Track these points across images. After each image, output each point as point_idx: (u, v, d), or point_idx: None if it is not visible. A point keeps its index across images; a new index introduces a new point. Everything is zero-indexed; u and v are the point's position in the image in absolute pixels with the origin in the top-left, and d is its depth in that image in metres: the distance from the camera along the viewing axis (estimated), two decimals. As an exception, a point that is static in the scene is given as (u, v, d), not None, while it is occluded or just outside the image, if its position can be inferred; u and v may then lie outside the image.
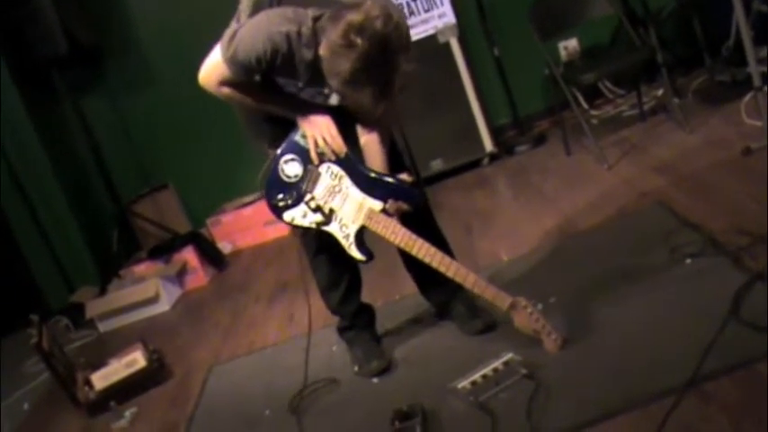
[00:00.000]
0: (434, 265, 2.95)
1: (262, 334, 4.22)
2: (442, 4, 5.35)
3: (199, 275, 5.58)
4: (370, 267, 3.22)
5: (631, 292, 3.09)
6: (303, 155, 3.00)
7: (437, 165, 5.62)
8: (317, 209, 3.01)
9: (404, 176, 2.97)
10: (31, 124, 5.73)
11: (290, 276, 4.91)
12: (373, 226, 2.94)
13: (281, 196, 3.05)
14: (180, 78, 5.93)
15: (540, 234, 4.09)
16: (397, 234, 2.94)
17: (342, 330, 3.48)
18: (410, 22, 5.25)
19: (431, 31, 5.38)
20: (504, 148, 5.78)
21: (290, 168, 3.02)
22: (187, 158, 6.31)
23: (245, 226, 5.98)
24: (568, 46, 6.00)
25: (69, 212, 5.88)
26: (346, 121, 2.98)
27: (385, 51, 2.51)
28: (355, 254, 3.00)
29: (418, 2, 5.34)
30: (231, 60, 2.77)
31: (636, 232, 3.64)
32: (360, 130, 3.05)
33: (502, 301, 2.88)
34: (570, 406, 2.55)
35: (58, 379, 4.00)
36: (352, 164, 2.96)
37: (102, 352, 4.64)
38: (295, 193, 3.03)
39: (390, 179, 2.95)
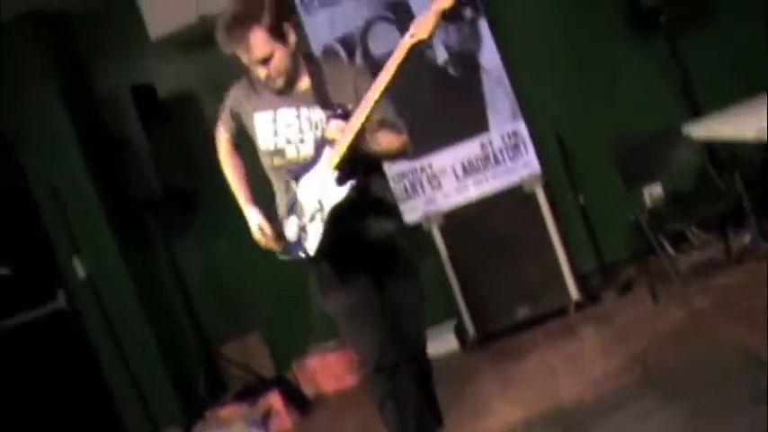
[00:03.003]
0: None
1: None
2: (527, 152, 5.43)
3: (283, 419, 5.55)
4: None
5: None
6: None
7: (524, 312, 5.56)
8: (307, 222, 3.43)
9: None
10: (123, 263, 5.93)
11: (374, 423, 4.87)
12: (334, 136, 3.18)
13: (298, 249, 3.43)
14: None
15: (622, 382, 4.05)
16: (351, 124, 3.10)
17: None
18: (496, 170, 5.43)
19: (516, 180, 5.45)
20: (590, 295, 5.71)
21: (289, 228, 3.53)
22: (274, 301, 6.38)
23: (330, 370, 5.96)
24: (653, 192, 5.97)
25: (157, 352, 5.98)
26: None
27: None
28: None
29: (504, 151, 5.44)
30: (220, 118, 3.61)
31: (722, 386, 3.56)
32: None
33: None
34: None
35: None
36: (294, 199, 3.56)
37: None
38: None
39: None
